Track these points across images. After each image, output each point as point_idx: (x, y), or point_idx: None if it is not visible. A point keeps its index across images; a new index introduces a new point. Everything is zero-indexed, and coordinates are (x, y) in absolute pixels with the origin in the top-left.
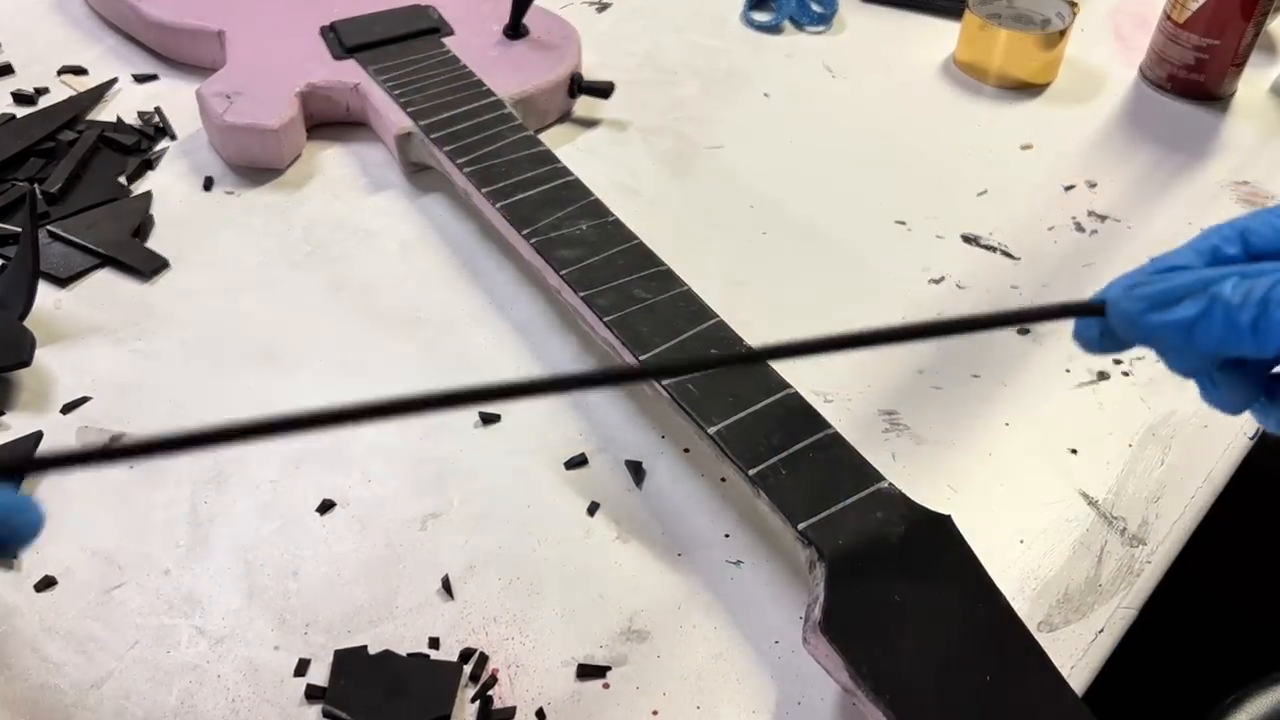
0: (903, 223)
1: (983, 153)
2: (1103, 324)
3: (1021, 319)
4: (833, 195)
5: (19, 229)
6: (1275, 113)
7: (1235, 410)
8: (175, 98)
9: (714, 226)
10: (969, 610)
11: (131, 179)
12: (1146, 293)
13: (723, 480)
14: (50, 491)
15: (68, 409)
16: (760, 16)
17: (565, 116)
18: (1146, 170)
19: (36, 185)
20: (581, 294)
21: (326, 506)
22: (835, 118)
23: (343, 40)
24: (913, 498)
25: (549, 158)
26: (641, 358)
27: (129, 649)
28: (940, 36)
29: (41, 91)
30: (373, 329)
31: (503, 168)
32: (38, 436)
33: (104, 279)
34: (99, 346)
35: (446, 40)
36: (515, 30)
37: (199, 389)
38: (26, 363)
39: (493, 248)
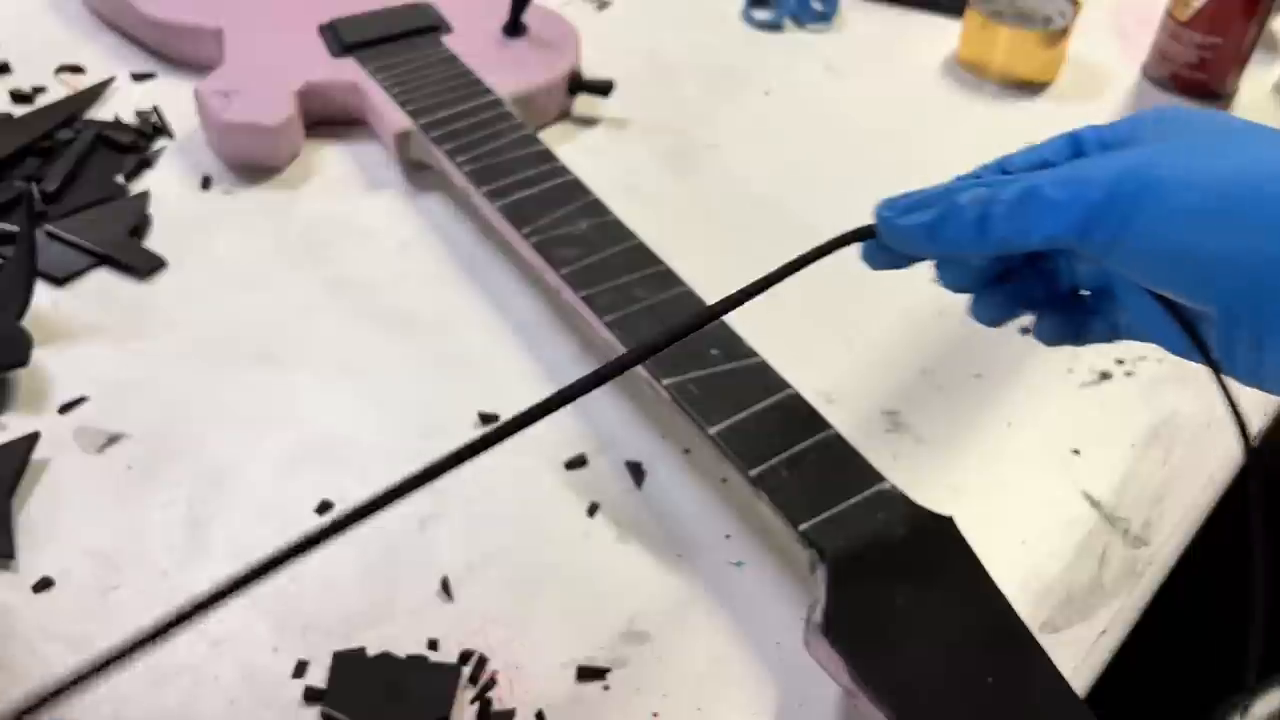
0: None
1: (984, 151)
2: (879, 243)
3: (806, 260)
4: (833, 194)
5: (16, 228)
6: (1278, 111)
7: (995, 322)
8: (173, 96)
9: (714, 226)
10: (971, 611)
11: (129, 178)
12: (900, 202)
13: (723, 481)
14: (47, 492)
15: (65, 409)
16: (761, 15)
17: (565, 115)
18: None
19: (34, 184)
20: (581, 293)
21: (325, 507)
22: (836, 116)
23: (341, 38)
24: (914, 498)
25: (548, 156)
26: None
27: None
28: (942, 34)
29: (39, 90)
30: (371, 328)
31: (502, 166)
32: (35, 437)
33: (101, 278)
34: (96, 346)
35: (445, 38)
36: (514, 28)
37: (197, 389)
38: (23, 363)
39: (492, 247)
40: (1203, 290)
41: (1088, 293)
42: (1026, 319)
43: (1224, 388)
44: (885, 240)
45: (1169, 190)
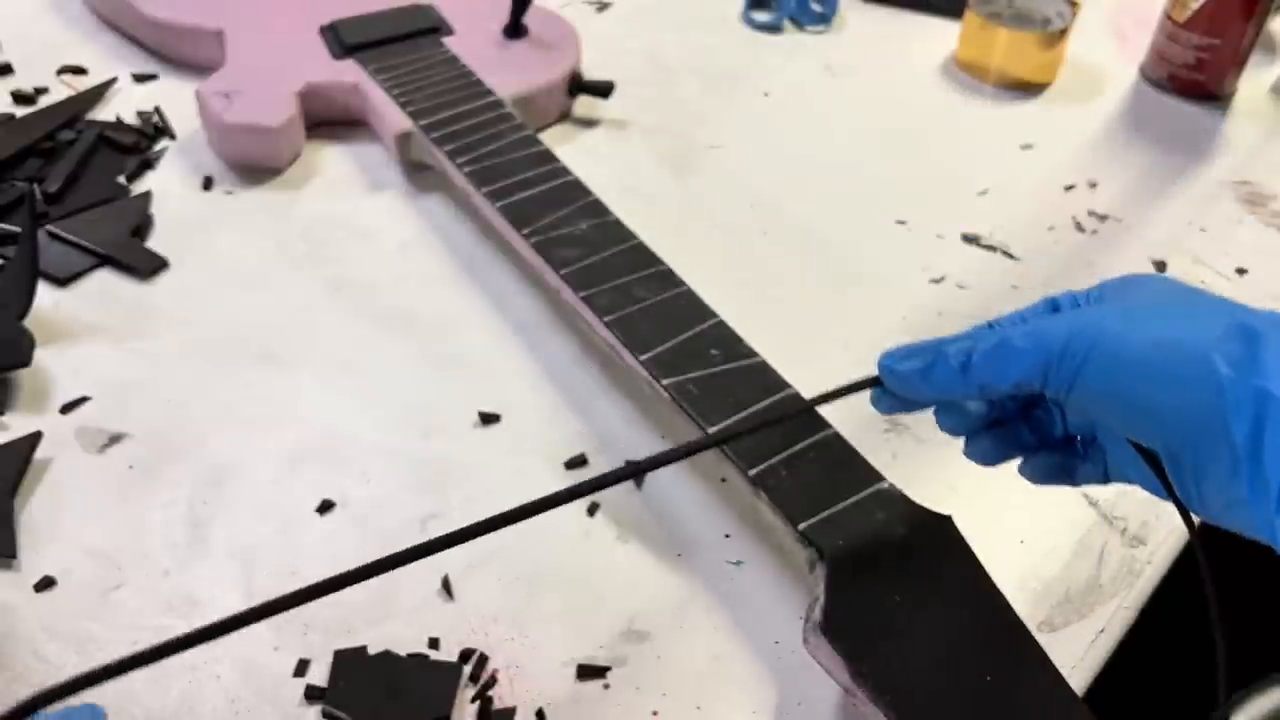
0: (903, 222)
1: (983, 152)
2: (886, 391)
3: (817, 402)
4: (833, 194)
5: (18, 229)
6: (1276, 112)
7: (988, 462)
8: (175, 97)
9: (714, 226)
10: (969, 610)
11: (131, 179)
12: (899, 352)
13: (723, 481)
14: (49, 492)
15: (66, 409)
16: (760, 16)
17: (565, 116)
18: (1147, 170)
19: (36, 185)
20: (581, 294)
21: (326, 506)
22: (835, 117)
23: (342, 39)
24: (913, 498)
25: (549, 157)
26: (642, 357)
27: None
28: (940, 36)
29: (41, 91)
30: (372, 329)
31: (502, 167)
32: (36, 437)
33: (103, 279)
34: (98, 346)
35: (446, 40)
36: (515, 30)
37: (198, 389)
38: (25, 363)
39: (492, 248)
40: (1147, 432)
41: (1078, 438)
42: None
43: (1190, 526)
44: (889, 386)
45: (1114, 345)
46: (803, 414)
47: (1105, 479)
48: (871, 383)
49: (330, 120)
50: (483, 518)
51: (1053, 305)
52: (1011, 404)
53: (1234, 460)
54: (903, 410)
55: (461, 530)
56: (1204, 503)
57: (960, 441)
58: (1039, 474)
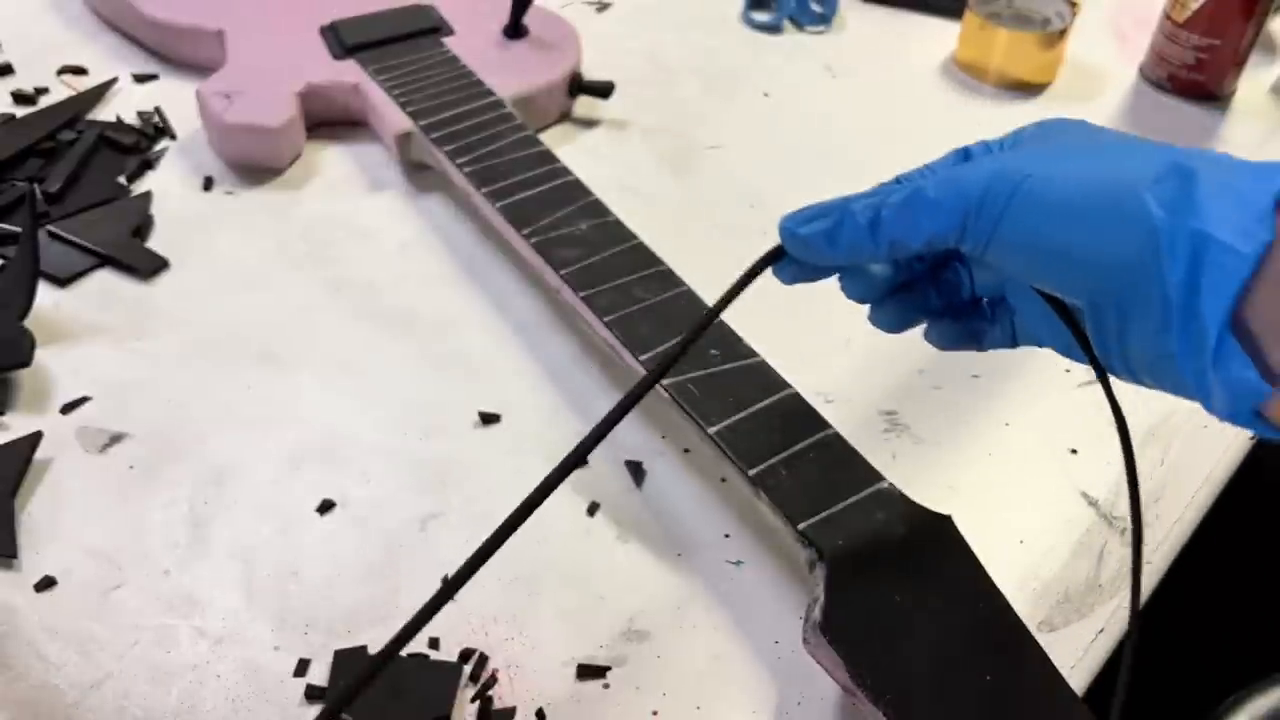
0: None
1: None
2: (789, 260)
3: (726, 302)
4: (833, 194)
5: (19, 229)
6: (1276, 113)
7: (894, 329)
8: (175, 97)
9: (714, 226)
10: (969, 610)
11: (131, 179)
12: (801, 214)
13: (723, 480)
14: (49, 492)
15: (67, 409)
16: (760, 16)
17: (565, 116)
18: None
19: (36, 185)
20: (581, 294)
21: (326, 506)
22: (835, 118)
23: (342, 40)
24: (913, 498)
25: (549, 158)
26: (642, 357)
27: (129, 649)
28: (940, 36)
29: (41, 91)
30: (372, 329)
31: (502, 167)
32: (37, 437)
33: (103, 279)
34: (98, 346)
35: (446, 40)
36: (515, 30)
37: (198, 389)
38: (26, 363)
39: (493, 248)
40: (1070, 283)
41: (985, 300)
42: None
43: (1106, 384)
44: (791, 251)
45: (1036, 190)
46: (711, 320)
47: (1013, 342)
48: (774, 256)
49: (330, 120)
50: (482, 517)
51: (964, 155)
52: (919, 265)
53: (1165, 310)
54: (806, 279)
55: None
56: (1127, 360)
57: (958, 441)
58: (945, 339)
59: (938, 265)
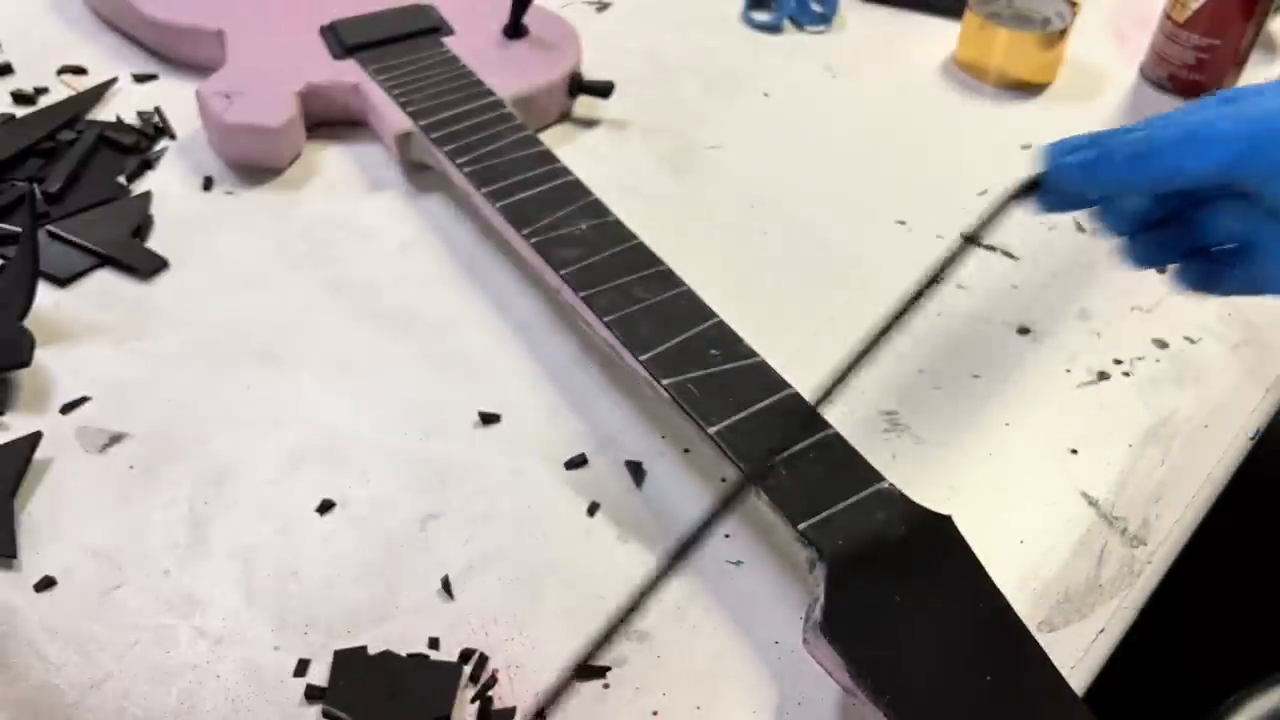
0: (903, 223)
1: (983, 152)
2: (1047, 189)
3: (979, 231)
4: (833, 195)
5: (18, 229)
6: None
7: (1147, 266)
8: (175, 97)
9: (714, 226)
10: (969, 610)
11: (131, 179)
12: (1064, 144)
13: (723, 480)
14: (49, 492)
15: (67, 409)
16: (760, 16)
17: (565, 116)
18: None
19: (36, 185)
20: (581, 294)
21: (326, 506)
22: (835, 117)
23: (342, 40)
24: (913, 498)
25: (549, 158)
26: (642, 357)
27: (129, 649)
28: (940, 36)
29: (41, 91)
30: (372, 329)
31: (502, 167)
32: (37, 437)
33: (103, 279)
34: (98, 346)
35: (446, 40)
36: (515, 30)
37: (198, 389)
38: (26, 363)
39: (493, 248)
40: None
41: (1231, 247)
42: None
43: None
44: (1053, 178)
45: None
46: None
47: (1254, 289)
48: (1031, 185)
49: (330, 120)
50: (482, 517)
51: (1228, 98)
52: (1174, 202)
53: None
54: (1062, 209)
55: None
56: None
57: (958, 441)
58: (1191, 280)
59: (1189, 205)
